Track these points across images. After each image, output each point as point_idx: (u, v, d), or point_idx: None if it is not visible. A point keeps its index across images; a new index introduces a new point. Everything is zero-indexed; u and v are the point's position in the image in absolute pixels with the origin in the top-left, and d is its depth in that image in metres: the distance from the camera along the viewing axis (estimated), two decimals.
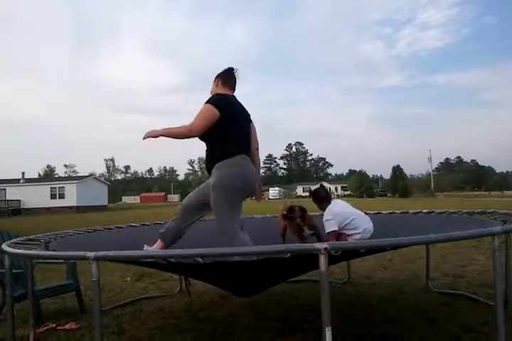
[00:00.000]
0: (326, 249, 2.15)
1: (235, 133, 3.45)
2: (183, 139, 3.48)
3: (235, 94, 3.68)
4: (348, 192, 74.45)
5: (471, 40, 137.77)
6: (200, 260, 2.42)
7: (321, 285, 2.20)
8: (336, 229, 3.95)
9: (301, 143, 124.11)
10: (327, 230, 3.99)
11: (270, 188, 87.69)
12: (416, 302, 4.51)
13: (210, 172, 3.57)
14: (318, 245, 2.18)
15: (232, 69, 3.67)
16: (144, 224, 5.67)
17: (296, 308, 4.47)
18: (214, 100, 3.45)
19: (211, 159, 3.52)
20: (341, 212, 4.07)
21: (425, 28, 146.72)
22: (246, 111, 3.70)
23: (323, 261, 2.15)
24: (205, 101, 3.47)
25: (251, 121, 3.72)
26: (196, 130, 3.40)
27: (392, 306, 4.38)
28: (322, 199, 4.23)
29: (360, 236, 3.93)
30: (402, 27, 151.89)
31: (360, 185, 69.79)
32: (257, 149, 3.76)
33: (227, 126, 3.41)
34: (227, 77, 3.65)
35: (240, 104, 3.66)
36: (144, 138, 3.45)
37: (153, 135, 3.44)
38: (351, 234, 3.97)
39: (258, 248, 2.49)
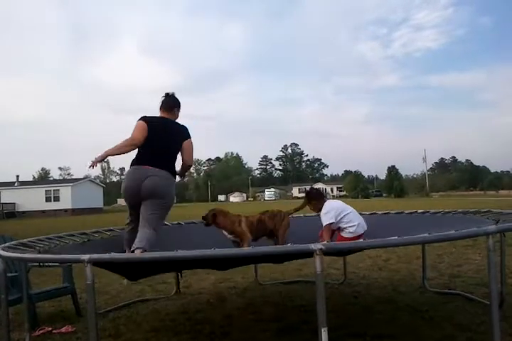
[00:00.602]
0: (321, 249, 2.15)
1: (149, 146, 3.77)
2: (129, 151, 3.77)
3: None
4: (344, 193, 74.60)
5: (466, 41, 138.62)
6: None
7: (316, 286, 2.20)
8: (334, 221, 4.07)
9: (296, 144, 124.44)
10: (324, 223, 4.09)
11: (266, 189, 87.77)
12: (412, 302, 4.52)
13: None
14: (313, 246, 2.18)
15: (167, 94, 4.07)
16: None
17: (292, 309, 4.47)
18: (142, 117, 3.88)
19: None
20: (338, 207, 4.20)
21: (420, 28, 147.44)
22: (177, 129, 3.97)
23: (318, 261, 2.15)
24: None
25: (186, 138, 3.94)
26: (137, 138, 3.75)
27: (388, 306, 4.39)
28: (318, 197, 4.30)
29: (354, 229, 4.07)
30: (397, 28, 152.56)
31: (356, 186, 69.99)
32: (190, 167, 4.06)
33: (147, 139, 3.77)
34: (162, 102, 4.04)
35: (172, 122, 3.99)
36: (91, 167, 3.69)
37: (99, 160, 3.68)
38: (346, 227, 4.09)
39: (256, 249, 2.49)
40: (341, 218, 4.09)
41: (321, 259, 2.15)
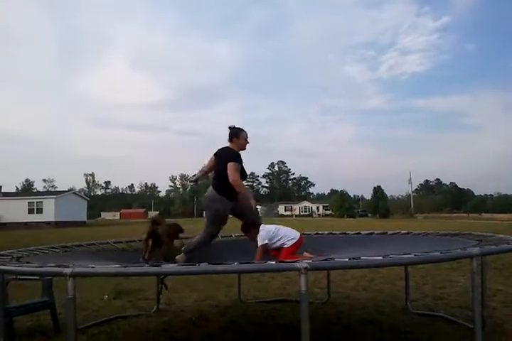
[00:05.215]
0: (306, 268, 2.14)
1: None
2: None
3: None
4: (330, 212, 74.67)
5: (451, 66, 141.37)
6: None
7: (300, 306, 2.18)
8: (267, 242, 4.24)
9: (283, 162, 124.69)
10: (259, 244, 4.24)
11: None
12: (395, 323, 4.51)
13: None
14: (298, 264, 2.17)
15: (229, 127, 4.66)
16: (126, 241, 5.60)
17: (275, 329, 4.42)
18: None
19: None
20: (266, 228, 4.38)
21: (406, 52, 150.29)
22: (223, 154, 4.58)
23: (303, 280, 2.14)
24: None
25: (228, 161, 4.43)
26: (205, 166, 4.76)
27: (371, 327, 4.37)
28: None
29: (293, 241, 4.25)
30: (385, 51, 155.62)
31: (342, 205, 70.06)
32: (232, 183, 4.36)
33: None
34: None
35: (223, 149, 4.65)
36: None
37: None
38: (284, 242, 4.26)
39: (239, 266, 2.47)
40: (272, 237, 4.26)
41: (306, 278, 2.14)
